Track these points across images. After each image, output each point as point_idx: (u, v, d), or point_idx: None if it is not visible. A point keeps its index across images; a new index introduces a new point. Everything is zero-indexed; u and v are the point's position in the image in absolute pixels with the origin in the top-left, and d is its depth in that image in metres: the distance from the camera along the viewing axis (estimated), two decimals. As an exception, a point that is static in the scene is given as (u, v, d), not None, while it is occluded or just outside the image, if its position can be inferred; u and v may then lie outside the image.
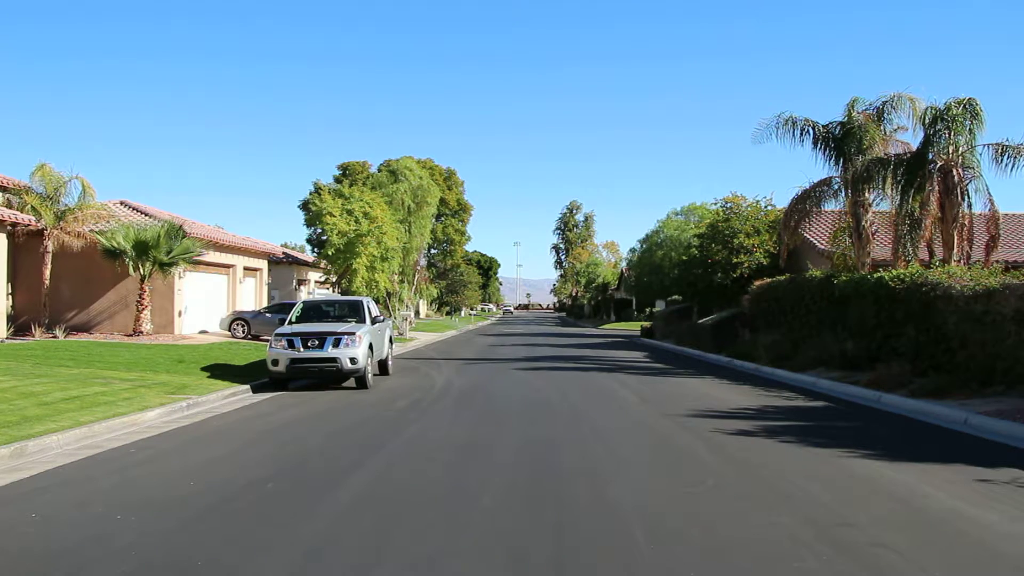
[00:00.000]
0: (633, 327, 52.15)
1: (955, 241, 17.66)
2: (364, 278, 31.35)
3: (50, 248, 23.28)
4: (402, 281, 40.54)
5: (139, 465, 8.12)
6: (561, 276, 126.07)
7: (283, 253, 40.96)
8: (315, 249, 47.81)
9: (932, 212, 18.11)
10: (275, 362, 14.66)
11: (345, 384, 15.51)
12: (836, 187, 20.98)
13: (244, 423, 11.14)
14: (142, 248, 22.83)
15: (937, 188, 17.88)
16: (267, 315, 27.45)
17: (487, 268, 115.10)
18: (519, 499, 6.65)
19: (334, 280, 34.31)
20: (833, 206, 22.21)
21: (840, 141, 20.08)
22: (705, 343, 26.55)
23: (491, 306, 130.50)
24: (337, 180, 55.92)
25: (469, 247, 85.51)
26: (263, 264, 34.73)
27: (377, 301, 27.87)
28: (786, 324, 21.05)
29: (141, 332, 23.07)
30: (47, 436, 9.00)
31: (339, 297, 23.79)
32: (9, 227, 21.28)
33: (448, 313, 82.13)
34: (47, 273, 23.33)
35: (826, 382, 15.56)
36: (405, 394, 14.33)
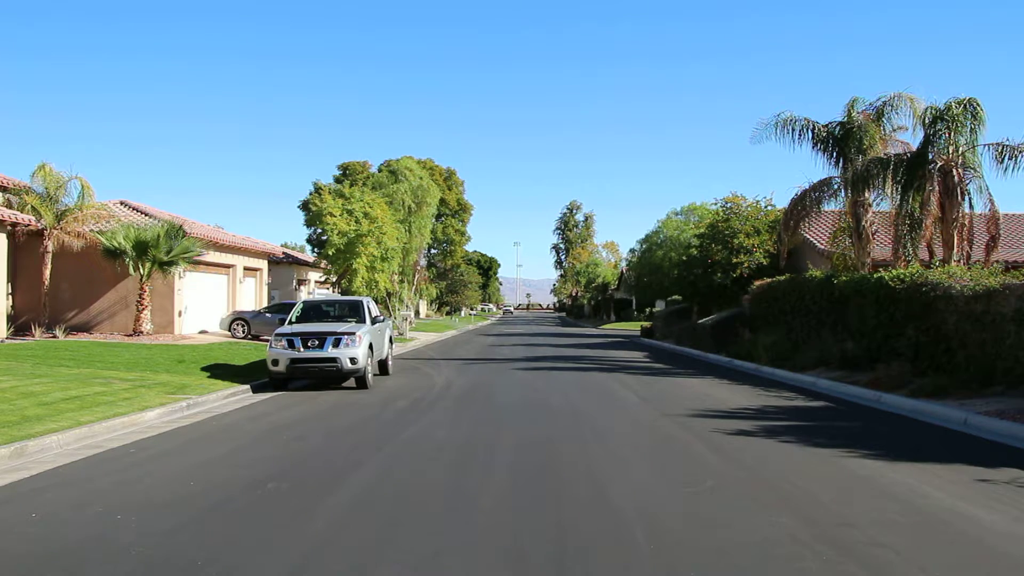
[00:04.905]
0: (633, 327, 52.15)
1: (955, 241, 17.65)
2: (364, 278, 31.37)
3: (50, 248, 23.29)
4: (402, 281, 40.54)
5: (139, 465, 8.11)
6: (561, 276, 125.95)
7: (283, 253, 40.96)
8: (315, 249, 47.83)
9: (932, 212, 18.11)
10: (275, 362, 14.66)
11: (345, 384, 15.51)
12: (836, 187, 20.96)
13: (244, 423, 11.14)
14: (142, 248, 22.84)
15: (937, 188, 17.88)
16: (267, 315, 27.47)
17: (487, 268, 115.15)
18: (519, 499, 6.65)
19: (334, 280, 34.33)
20: (833, 206, 22.19)
21: (840, 141, 20.07)
22: (705, 343, 26.53)
23: (491, 306, 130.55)
24: (337, 180, 55.92)
25: (469, 247, 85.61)
26: (263, 264, 34.74)
27: (377, 301, 27.87)
28: (786, 324, 21.05)
29: (141, 332, 23.08)
30: (47, 436, 9.00)
31: (339, 297, 23.79)
32: (9, 227, 21.29)
33: (448, 313, 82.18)
34: (47, 273, 23.33)
35: (826, 382, 15.56)
36: (405, 394, 14.33)
